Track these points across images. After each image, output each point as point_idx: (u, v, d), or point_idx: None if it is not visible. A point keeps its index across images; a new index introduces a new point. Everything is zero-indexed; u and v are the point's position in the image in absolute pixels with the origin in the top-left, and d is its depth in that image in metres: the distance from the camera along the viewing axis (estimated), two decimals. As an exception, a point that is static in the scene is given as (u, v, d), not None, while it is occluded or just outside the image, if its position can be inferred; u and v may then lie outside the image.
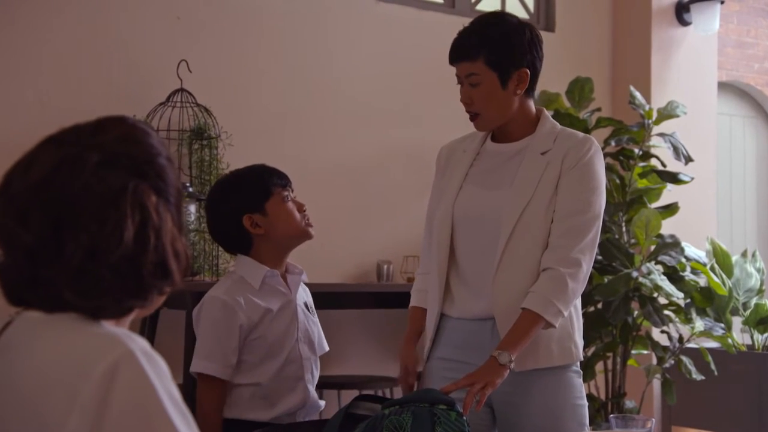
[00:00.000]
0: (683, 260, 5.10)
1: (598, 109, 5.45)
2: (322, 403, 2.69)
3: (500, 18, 2.54)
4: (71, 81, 4.21)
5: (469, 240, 2.51)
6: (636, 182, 5.26)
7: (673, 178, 5.21)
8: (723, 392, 5.45)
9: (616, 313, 4.92)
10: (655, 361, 5.25)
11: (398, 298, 3.76)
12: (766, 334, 5.69)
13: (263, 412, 2.52)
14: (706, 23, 5.89)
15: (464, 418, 2.18)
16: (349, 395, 4.39)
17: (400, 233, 4.99)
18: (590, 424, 2.61)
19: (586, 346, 4.60)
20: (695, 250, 5.25)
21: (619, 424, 2.30)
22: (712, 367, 5.06)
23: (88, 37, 4.27)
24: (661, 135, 5.27)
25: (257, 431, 2.45)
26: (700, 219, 5.87)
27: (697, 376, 5.04)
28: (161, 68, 4.37)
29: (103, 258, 1.27)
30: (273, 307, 2.53)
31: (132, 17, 4.38)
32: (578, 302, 2.56)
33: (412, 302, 2.67)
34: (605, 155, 5.27)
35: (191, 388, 2.61)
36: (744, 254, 5.98)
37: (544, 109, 2.60)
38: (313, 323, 2.67)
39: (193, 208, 4.16)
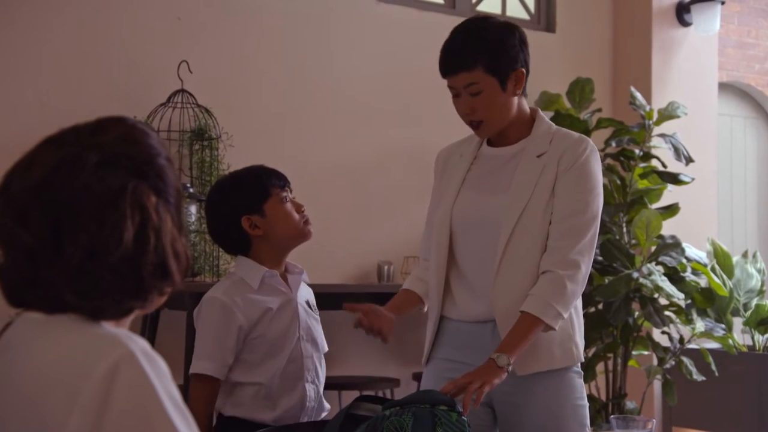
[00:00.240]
0: (684, 261, 5.10)
1: (599, 110, 5.45)
2: (328, 405, 2.69)
3: (487, 22, 2.50)
4: (72, 81, 4.21)
5: (468, 244, 2.52)
6: (636, 183, 5.26)
7: (674, 179, 5.21)
8: (724, 393, 5.45)
9: (616, 313, 4.92)
10: (655, 361, 5.25)
11: (399, 299, 3.75)
12: (766, 335, 5.69)
13: (266, 413, 2.52)
14: (707, 24, 5.89)
15: (465, 418, 2.18)
16: (349, 396, 4.39)
17: (401, 234, 4.99)
18: (591, 425, 2.61)
19: (586, 347, 4.61)
20: (696, 251, 5.25)
21: (620, 425, 2.29)
22: (713, 367, 5.06)
23: (88, 37, 4.28)
24: (662, 136, 5.27)
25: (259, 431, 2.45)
26: (700, 220, 5.87)
27: (697, 376, 5.04)
28: (162, 69, 4.37)
29: (103, 258, 1.27)
30: (272, 306, 2.54)
31: (133, 18, 4.38)
32: (579, 303, 2.56)
33: (406, 285, 2.64)
34: (606, 156, 5.29)
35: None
36: (745, 255, 5.98)
37: (539, 110, 2.60)
38: (316, 321, 2.67)
39: (193, 208, 4.16)
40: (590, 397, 4.85)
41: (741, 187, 7.43)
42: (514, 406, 2.50)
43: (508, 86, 2.45)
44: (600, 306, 5.04)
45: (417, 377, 4.73)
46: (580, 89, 5.37)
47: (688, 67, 5.98)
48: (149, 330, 4.15)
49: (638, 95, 5.30)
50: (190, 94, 4.34)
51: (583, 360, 2.58)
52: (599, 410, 5.05)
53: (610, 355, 5.18)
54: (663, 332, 5.19)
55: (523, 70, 2.48)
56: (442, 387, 2.26)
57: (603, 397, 5.24)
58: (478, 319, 2.48)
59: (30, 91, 4.13)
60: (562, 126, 5.52)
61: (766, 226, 7.52)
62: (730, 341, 5.17)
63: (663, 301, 5.07)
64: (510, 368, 2.31)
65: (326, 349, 2.77)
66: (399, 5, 5.20)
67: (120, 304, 1.31)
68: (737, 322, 5.75)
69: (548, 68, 5.67)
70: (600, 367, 5.20)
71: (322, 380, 2.64)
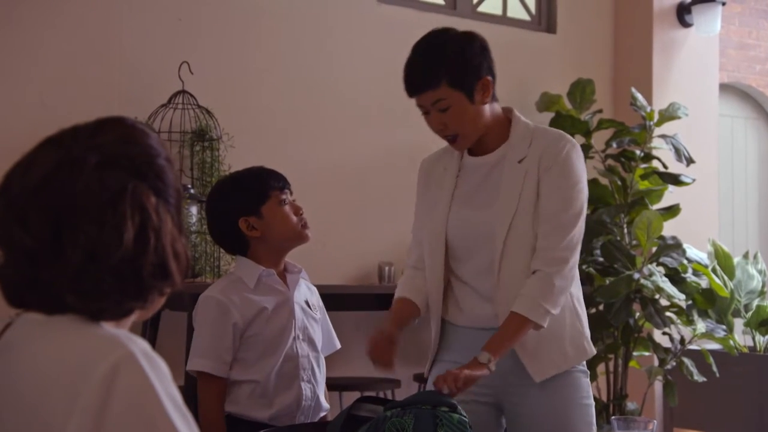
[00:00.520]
0: (685, 262, 5.10)
1: (600, 111, 5.45)
2: (327, 405, 2.69)
3: (445, 36, 2.48)
4: (72, 82, 4.21)
5: (467, 261, 2.52)
6: (637, 184, 5.26)
7: (675, 180, 5.21)
8: (724, 394, 5.44)
9: (617, 314, 4.92)
10: (656, 362, 5.25)
11: (399, 300, 3.75)
12: (767, 336, 5.69)
13: (261, 411, 2.53)
14: (708, 25, 5.88)
15: (466, 419, 2.18)
16: (350, 396, 4.38)
17: (402, 234, 4.97)
18: (592, 425, 2.62)
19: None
20: (697, 252, 5.25)
21: (621, 426, 2.30)
22: (714, 368, 5.06)
23: (89, 38, 4.28)
24: (663, 136, 5.27)
25: (260, 432, 2.46)
26: (701, 221, 5.86)
27: (698, 377, 5.04)
28: (163, 70, 4.37)
29: (103, 259, 1.26)
30: (268, 305, 2.55)
31: (133, 19, 4.38)
32: (580, 294, 2.57)
33: (402, 293, 2.61)
34: (606, 157, 5.29)
35: (192, 389, 2.62)
36: (746, 256, 5.97)
37: (513, 110, 2.56)
38: (314, 321, 2.67)
39: (194, 209, 4.16)
40: (591, 398, 4.84)
41: (742, 187, 7.43)
42: (521, 407, 2.52)
43: (476, 97, 2.43)
44: (601, 307, 5.04)
45: (418, 378, 4.72)
46: (581, 90, 5.37)
47: (689, 68, 5.98)
48: (150, 331, 4.14)
49: (639, 96, 5.30)
50: (191, 95, 4.34)
51: (595, 352, 2.59)
52: (600, 411, 5.05)
53: (611, 356, 5.18)
54: (664, 333, 5.19)
55: (489, 77, 2.45)
56: (435, 381, 2.27)
57: (604, 398, 5.24)
58: (482, 326, 2.49)
59: (30, 92, 4.13)
60: (564, 127, 5.54)
61: (767, 226, 7.52)
62: (731, 342, 5.17)
63: (664, 302, 5.07)
64: (493, 366, 2.31)
65: (338, 346, 2.81)
66: (399, 6, 5.20)
67: (120, 304, 1.31)
68: (738, 323, 5.75)
69: (549, 69, 5.67)
70: (601, 368, 5.20)
71: (320, 380, 2.65)
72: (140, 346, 1.24)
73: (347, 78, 4.92)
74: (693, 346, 5.20)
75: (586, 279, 5.10)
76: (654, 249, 5.06)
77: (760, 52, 7.46)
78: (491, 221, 2.45)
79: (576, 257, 2.44)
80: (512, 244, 2.43)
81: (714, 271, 5.50)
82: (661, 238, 5.04)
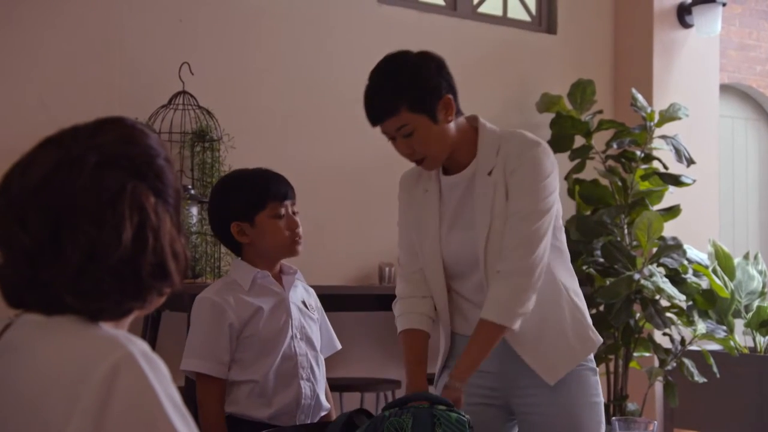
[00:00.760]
0: (685, 262, 5.10)
1: (600, 112, 5.45)
2: (328, 405, 2.69)
3: (400, 60, 2.45)
4: (72, 83, 4.21)
5: (463, 279, 2.54)
6: (638, 184, 5.26)
7: (675, 181, 5.21)
8: (725, 395, 5.44)
9: (618, 315, 4.92)
10: (657, 363, 5.25)
11: (400, 301, 3.75)
12: (767, 337, 5.69)
13: (261, 410, 2.54)
14: (708, 25, 5.88)
15: (465, 417, 2.19)
16: (351, 397, 4.39)
17: (402, 235, 4.99)
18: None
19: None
20: (697, 253, 5.25)
21: (622, 427, 2.30)
22: (714, 369, 5.06)
23: (89, 39, 4.28)
24: (663, 137, 5.27)
25: (262, 432, 2.47)
26: (702, 221, 5.86)
27: (699, 378, 5.04)
28: (163, 71, 4.37)
29: (102, 259, 1.26)
30: (264, 305, 2.56)
31: (134, 20, 4.38)
32: (576, 286, 2.57)
33: (409, 324, 2.56)
34: (607, 158, 5.29)
35: (192, 390, 2.62)
36: (746, 256, 5.97)
37: (479, 118, 2.53)
38: (311, 321, 2.68)
39: (194, 210, 4.16)
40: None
41: (742, 188, 7.43)
42: (532, 407, 2.53)
43: (439, 117, 2.41)
44: (601, 308, 5.04)
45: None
46: (582, 91, 5.37)
47: (690, 69, 5.98)
48: (150, 331, 4.14)
49: (639, 97, 5.30)
50: (192, 96, 4.34)
51: (602, 340, 2.58)
52: (600, 412, 5.05)
53: (612, 356, 5.18)
54: (664, 334, 5.19)
55: (449, 96, 2.42)
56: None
57: (604, 399, 5.24)
58: None
59: (31, 92, 4.13)
60: (564, 128, 5.53)
61: (767, 227, 7.52)
62: (732, 343, 5.17)
63: (664, 303, 5.07)
64: (463, 388, 2.33)
65: (338, 347, 2.82)
66: (400, 7, 5.20)
67: (119, 304, 1.31)
68: (738, 324, 5.75)
69: (549, 70, 5.67)
70: (601, 368, 5.20)
71: (320, 378, 2.65)
72: (140, 346, 1.24)
73: (347, 78, 4.92)
74: (693, 347, 5.20)
75: (586, 279, 5.10)
76: (654, 250, 5.06)
77: (761, 52, 7.46)
78: (472, 242, 2.46)
79: (544, 252, 2.39)
80: (492, 262, 2.43)
81: (714, 271, 5.50)
82: (662, 238, 5.04)
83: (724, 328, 5.28)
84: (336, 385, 4.21)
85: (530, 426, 2.55)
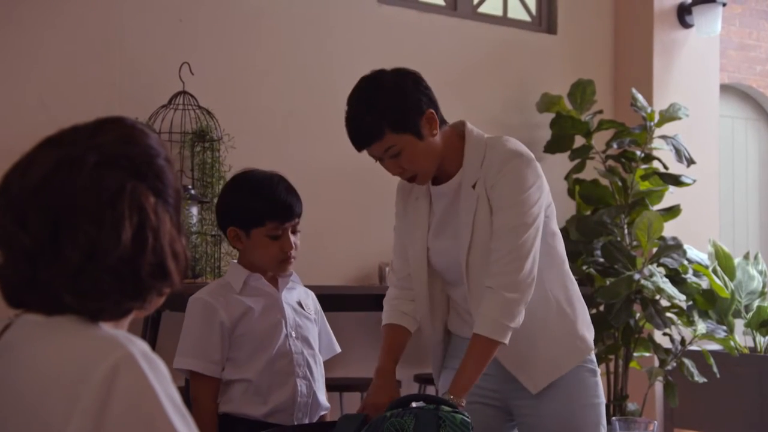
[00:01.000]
0: (685, 262, 5.10)
1: (600, 112, 5.45)
2: (327, 404, 2.70)
3: (377, 82, 2.43)
4: (73, 83, 4.21)
5: (452, 285, 2.55)
6: (638, 184, 5.26)
7: (675, 181, 5.21)
8: (725, 395, 5.44)
9: (618, 315, 4.92)
10: (657, 363, 5.25)
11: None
12: (767, 337, 5.69)
13: (256, 408, 2.55)
14: (708, 25, 5.88)
15: (468, 420, 2.19)
16: (351, 397, 4.39)
17: (402, 235, 4.99)
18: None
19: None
20: (697, 253, 5.25)
21: (622, 427, 2.30)
22: (714, 369, 5.06)
23: (89, 39, 4.28)
24: (663, 137, 5.27)
25: (264, 432, 2.47)
26: (702, 221, 5.86)
27: (699, 378, 5.04)
28: (163, 71, 4.37)
29: (101, 259, 1.26)
30: (256, 305, 2.58)
31: (134, 20, 4.38)
32: (576, 289, 2.58)
33: (389, 319, 2.59)
34: (607, 158, 5.29)
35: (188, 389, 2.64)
36: (746, 256, 5.97)
37: (466, 123, 2.52)
38: (308, 320, 2.68)
39: (195, 210, 4.16)
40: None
41: (742, 188, 7.43)
42: (527, 408, 2.54)
43: (423, 132, 2.40)
44: (601, 308, 5.04)
45: (418, 379, 4.72)
46: (582, 91, 5.37)
47: (690, 69, 5.98)
48: (150, 331, 4.14)
49: (639, 97, 5.30)
50: (192, 96, 4.34)
51: (593, 348, 2.58)
52: (600, 412, 5.05)
53: (612, 356, 5.18)
54: (664, 334, 5.19)
55: (430, 110, 2.41)
56: None
57: (604, 399, 5.24)
58: None
59: (31, 92, 4.13)
60: (564, 128, 5.52)
61: (768, 227, 7.52)
62: (732, 343, 5.17)
63: (664, 303, 5.07)
64: (463, 401, 2.32)
65: (337, 350, 2.82)
66: (400, 7, 5.20)
67: (119, 304, 1.31)
68: (738, 324, 5.75)
69: (549, 70, 5.67)
70: (601, 368, 5.20)
71: (317, 377, 2.66)
72: (139, 346, 1.24)
73: (347, 78, 4.90)
74: (693, 347, 5.20)
75: (586, 279, 5.11)
76: (654, 250, 5.06)
77: (761, 53, 7.45)
78: (458, 251, 2.46)
79: (529, 264, 2.37)
80: (474, 274, 2.44)
81: (714, 271, 5.50)
82: (662, 238, 5.04)
83: (724, 328, 5.28)
84: (336, 385, 4.21)
85: (528, 428, 2.56)
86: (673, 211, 5.24)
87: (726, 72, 7.03)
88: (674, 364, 5.08)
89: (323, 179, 4.78)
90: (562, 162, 5.43)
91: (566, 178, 5.40)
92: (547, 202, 2.50)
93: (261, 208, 2.55)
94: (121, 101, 4.25)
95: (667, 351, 5.12)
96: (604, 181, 5.35)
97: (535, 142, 5.32)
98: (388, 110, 2.37)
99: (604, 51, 5.97)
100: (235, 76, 4.64)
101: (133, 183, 1.30)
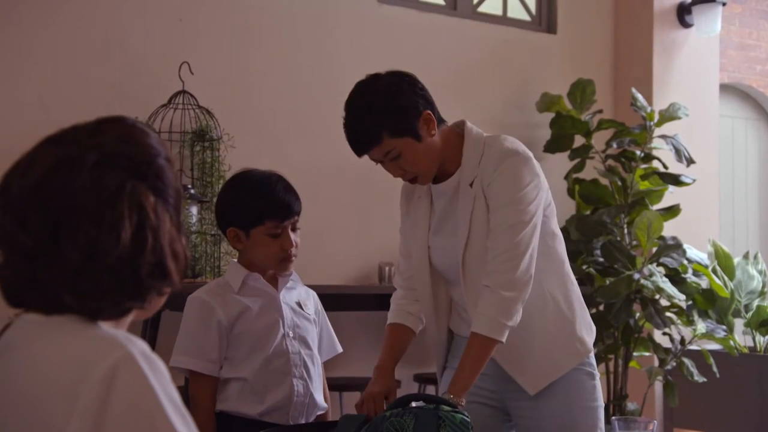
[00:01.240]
0: (685, 262, 5.10)
1: (600, 111, 5.46)
2: (325, 405, 2.70)
3: (373, 87, 2.42)
4: (72, 82, 4.21)
5: (455, 285, 2.55)
6: (638, 184, 5.26)
7: (675, 180, 5.21)
8: (725, 394, 5.44)
9: (617, 315, 4.92)
10: (656, 363, 5.25)
11: (400, 300, 3.75)
12: (767, 336, 5.69)
13: (252, 406, 2.56)
14: (708, 25, 5.88)
15: (468, 420, 2.19)
16: (351, 397, 4.39)
17: (402, 235, 4.99)
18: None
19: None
20: (697, 252, 5.25)
21: (622, 427, 2.30)
22: (714, 369, 5.06)
23: (89, 38, 4.28)
24: (663, 137, 5.27)
25: (264, 431, 2.47)
26: (701, 221, 5.87)
27: (698, 378, 5.04)
28: (163, 70, 4.37)
29: (101, 259, 1.26)
30: (253, 305, 2.58)
31: (134, 19, 4.38)
32: (577, 289, 2.58)
33: (394, 319, 2.62)
34: (607, 157, 5.29)
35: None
36: (746, 256, 5.97)
37: (466, 122, 2.52)
38: (306, 320, 2.68)
39: (194, 209, 4.16)
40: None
41: (742, 188, 7.43)
42: (525, 410, 2.54)
43: (422, 134, 2.41)
44: (601, 307, 5.04)
45: (418, 379, 4.72)
46: (581, 90, 5.37)
47: (690, 69, 5.98)
48: (150, 331, 4.14)
49: (639, 96, 5.30)
50: (192, 96, 4.35)
51: (592, 351, 2.58)
52: (600, 412, 5.05)
53: (611, 356, 5.18)
54: (664, 333, 5.19)
55: (427, 111, 2.41)
56: None
57: (604, 399, 5.24)
58: None
59: (31, 92, 4.13)
60: (564, 128, 5.52)
61: (767, 227, 7.52)
62: (731, 342, 5.17)
63: (664, 303, 5.07)
64: (463, 401, 2.32)
65: (339, 350, 2.82)
66: (400, 6, 5.20)
67: (118, 304, 1.31)
68: (738, 324, 5.75)
69: (549, 69, 5.67)
70: (601, 368, 5.20)
71: (315, 377, 2.66)
72: (139, 346, 1.24)
73: (347, 78, 4.90)
74: (693, 347, 5.20)
75: (586, 279, 5.11)
76: (654, 249, 5.06)
77: (761, 52, 7.45)
78: (456, 249, 2.47)
79: (526, 262, 2.37)
80: (470, 273, 2.44)
81: (714, 271, 5.50)
82: (662, 238, 5.04)
83: (724, 327, 5.28)
84: (336, 385, 4.21)
85: (525, 430, 2.57)
86: (672, 211, 5.24)
87: (726, 72, 7.03)
88: (674, 364, 5.08)
89: (323, 179, 4.78)
90: (562, 161, 5.43)
91: (566, 177, 5.40)
92: (547, 202, 2.49)
93: (260, 207, 2.55)
94: (121, 101, 4.25)
95: (666, 351, 5.12)
96: (604, 181, 5.35)
97: (535, 142, 5.32)
98: (385, 115, 2.38)
99: (604, 51, 5.97)
100: (235, 75, 4.64)
101: (133, 182, 1.30)
